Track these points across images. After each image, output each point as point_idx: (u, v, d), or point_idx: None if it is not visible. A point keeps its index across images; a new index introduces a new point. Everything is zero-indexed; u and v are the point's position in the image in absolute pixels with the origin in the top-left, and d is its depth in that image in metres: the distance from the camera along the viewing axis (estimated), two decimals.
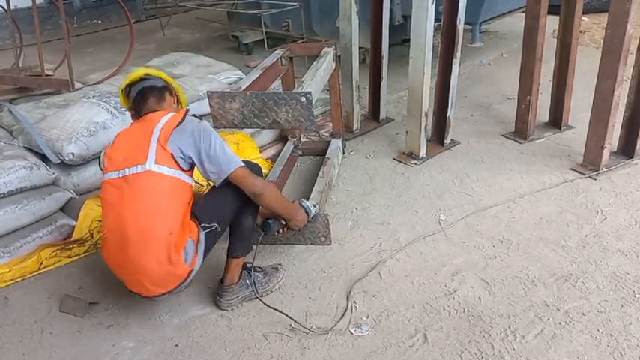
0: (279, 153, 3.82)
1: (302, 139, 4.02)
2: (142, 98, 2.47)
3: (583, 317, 2.32)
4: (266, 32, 5.82)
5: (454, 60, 3.58)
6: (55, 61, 5.20)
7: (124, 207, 2.24)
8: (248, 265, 2.56)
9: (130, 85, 2.51)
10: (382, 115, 4.37)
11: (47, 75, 4.59)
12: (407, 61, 3.49)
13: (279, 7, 5.62)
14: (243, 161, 2.37)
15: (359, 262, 2.77)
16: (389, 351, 2.23)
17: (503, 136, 4.00)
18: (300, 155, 3.93)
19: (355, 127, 4.22)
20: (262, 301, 2.46)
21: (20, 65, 5.04)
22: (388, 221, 3.09)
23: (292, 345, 2.30)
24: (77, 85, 4.43)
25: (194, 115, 2.41)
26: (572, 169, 3.46)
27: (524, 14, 3.67)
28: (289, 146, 3.89)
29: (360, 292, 2.56)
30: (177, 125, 2.30)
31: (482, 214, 3.08)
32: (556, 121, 4.02)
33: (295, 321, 2.39)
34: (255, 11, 5.85)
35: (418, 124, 3.60)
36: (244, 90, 2.85)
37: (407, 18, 5.16)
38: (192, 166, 2.34)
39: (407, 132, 3.75)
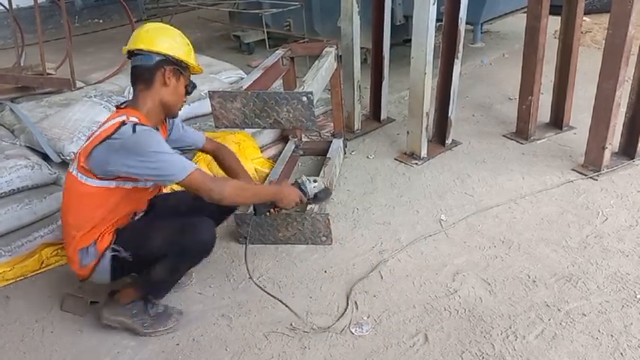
0: (281, 153, 3.82)
1: (303, 139, 4.02)
2: (132, 81, 2.31)
3: (584, 318, 2.31)
4: (267, 32, 5.82)
5: (455, 60, 3.58)
6: (57, 60, 5.20)
7: (62, 196, 2.33)
8: (149, 297, 2.40)
9: (129, 53, 2.30)
10: (383, 115, 4.37)
11: (49, 74, 4.59)
12: (408, 61, 3.49)
13: (280, 7, 5.62)
14: None
15: (360, 262, 2.77)
16: (389, 351, 2.23)
17: (504, 136, 4.00)
18: (302, 155, 3.93)
19: (356, 127, 4.22)
20: (262, 288, 2.46)
21: (22, 64, 5.05)
22: (389, 221, 3.09)
23: (293, 345, 2.30)
24: (78, 84, 4.43)
25: (134, 127, 2.13)
26: (573, 170, 3.45)
27: (525, 14, 3.67)
28: (290, 146, 3.89)
29: (361, 292, 2.56)
30: (105, 140, 2.13)
31: (483, 214, 3.08)
32: (557, 121, 4.02)
33: (296, 314, 2.39)
34: (257, 11, 5.85)
35: (419, 124, 3.60)
36: (246, 90, 2.86)
37: (408, 18, 5.16)
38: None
39: (408, 132, 3.75)
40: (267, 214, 2.67)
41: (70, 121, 3.31)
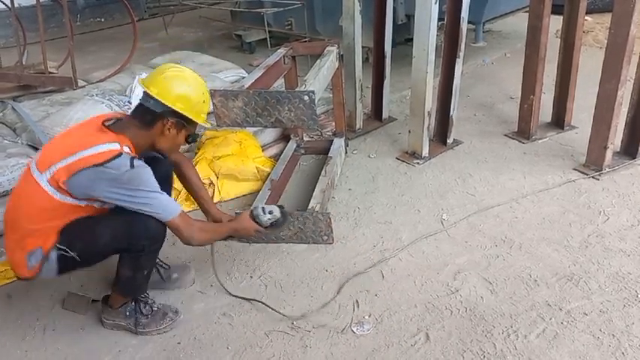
0: (282, 152, 3.82)
1: (304, 138, 4.02)
2: (133, 111, 2.28)
3: (585, 317, 2.31)
4: (269, 31, 5.82)
5: (457, 59, 3.58)
6: (58, 59, 5.21)
7: (13, 192, 2.27)
8: (140, 298, 2.41)
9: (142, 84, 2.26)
10: (385, 115, 4.37)
11: (50, 73, 4.60)
12: (410, 60, 3.49)
13: (282, 6, 5.62)
14: None
15: (361, 261, 2.77)
16: (391, 350, 2.23)
17: (506, 135, 4.00)
18: (303, 154, 3.93)
19: (358, 126, 4.22)
20: (262, 302, 2.47)
21: (24, 63, 5.06)
22: (390, 220, 3.09)
23: (294, 343, 2.30)
24: (80, 83, 4.44)
25: (132, 162, 2.09)
26: (575, 169, 3.45)
27: (527, 14, 3.66)
28: (292, 145, 3.89)
29: (362, 291, 2.56)
30: (97, 165, 2.05)
31: (484, 213, 3.08)
32: (559, 121, 4.02)
33: (281, 313, 2.39)
34: (259, 10, 5.85)
35: (421, 123, 3.60)
36: (247, 88, 2.85)
37: (410, 17, 5.15)
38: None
39: (409, 131, 3.75)
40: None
41: (72, 120, 3.32)
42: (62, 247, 2.14)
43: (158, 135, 2.24)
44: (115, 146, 2.11)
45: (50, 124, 3.36)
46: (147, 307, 2.43)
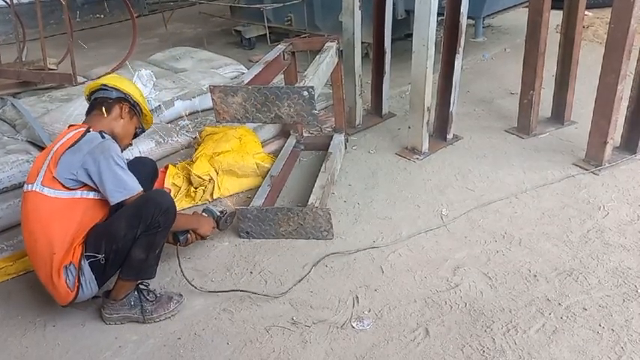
0: (282, 148, 3.82)
1: (304, 134, 4.02)
2: (89, 108, 2.57)
3: (585, 312, 2.32)
4: (268, 27, 5.81)
5: (457, 55, 3.57)
6: (58, 55, 5.21)
7: (22, 222, 2.38)
8: (142, 287, 2.48)
9: (90, 94, 2.60)
10: (384, 110, 4.37)
11: (50, 69, 4.60)
12: (409, 55, 3.49)
13: (281, 2, 5.62)
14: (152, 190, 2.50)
15: (360, 257, 2.77)
16: (390, 345, 2.23)
17: (505, 131, 3.99)
18: (303, 150, 3.93)
19: (357, 121, 4.21)
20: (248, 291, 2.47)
21: (23, 59, 5.05)
22: (390, 216, 3.10)
23: (294, 339, 2.31)
24: (80, 79, 4.44)
25: (101, 134, 2.38)
26: (574, 165, 3.45)
27: (526, 9, 3.65)
28: (291, 141, 3.89)
29: (362, 287, 2.57)
30: (72, 145, 2.30)
31: (484, 209, 3.08)
32: (559, 116, 4.01)
33: (272, 296, 2.40)
34: (258, 6, 5.84)
35: (420, 118, 3.59)
36: (247, 84, 2.85)
37: (410, 12, 5.14)
38: (87, 184, 2.31)
39: (409, 127, 3.74)
40: (186, 241, 2.68)
41: (72, 117, 3.32)
42: (89, 253, 2.30)
43: (115, 119, 2.52)
44: (82, 128, 2.41)
45: (50, 121, 3.36)
46: (150, 294, 2.47)
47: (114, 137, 2.47)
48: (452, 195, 3.25)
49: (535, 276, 2.55)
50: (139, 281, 2.47)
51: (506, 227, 2.91)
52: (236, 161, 3.45)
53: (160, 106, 3.82)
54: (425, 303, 2.44)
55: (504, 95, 4.66)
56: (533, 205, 3.08)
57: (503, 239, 2.82)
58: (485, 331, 2.26)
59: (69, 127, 2.50)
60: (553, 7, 3.55)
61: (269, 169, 3.49)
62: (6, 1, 5.12)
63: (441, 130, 3.90)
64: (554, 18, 3.82)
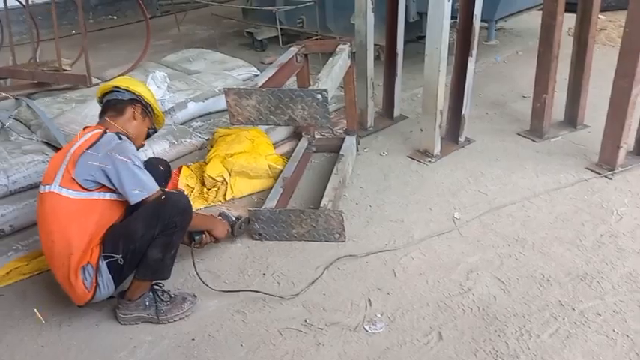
0: (294, 149, 3.83)
1: (316, 136, 4.03)
2: (102, 110, 2.63)
3: (598, 317, 2.31)
4: (280, 29, 5.83)
5: (470, 58, 3.57)
6: (71, 56, 5.25)
7: (39, 223, 2.41)
8: (156, 288, 2.50)
9: (102, 96, 2.64)
10: (396, 113, 4.37)
11: (65, 70, 4.64)
12: (421, 58, 3.49)
13: (294, 4, 5.63)
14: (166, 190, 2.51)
15: (373, 259, 2.78)
16: (404, 348, 2.24)
17: (518, 134, 3.99)
18: (314, 152, 3.94)
19: (369, 124, 4.22)
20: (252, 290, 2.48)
21: (37, 60, 5.10)
22: (402, 219, 3.10)
23: (307, 341, 2.32)
24: (94, 80, 4.47)
25: (118, 135, 2.43)
26: (587, 169, 3.44)
27: (539, 12, 3.64)
28: (303, 143, 3.90)
29: (374, 290, 2.57)
30: (90, 146, 2.34)
31: (497, 212, 3.08)
32: (572, 119, 4.00)
33: (283, 297, 2.41)
34: (270, 8, 5.86)
35: (433, 121, 3.59)
36: (260, 87, 2.87)
37: (422, 15, 5.15)
38: (104, 185, 2.34)
39: (421, 129, 3.74)
40: (200, 241, 2.73)
41: (87, 117, 3.35)
42: (107, 253, 2.32)
43: (128, 120, 2.57)
44: (99, 130, 2.44)
45: (65, 122, 3.39)
46: (165, 295, 2.50)
47: (127, 138, 2.50)
48: (464, 198, 3.25)
49: (548, 280, 2.54)
50: (154, 282, 2.49)
51: (519, 231, 2.91)
52: (248, 163, 3.47)
53: (173, 107, 3.85)
54: (438, 307, 2.44)
55: (517, 98, 4.65)
56: (547, 209, 3.08)
57: (516, 243, 2.82)
58: (499, 335, 2.26)
59: (85, 128, 2.53)
60: (566, 10, 3.53)
61: (281, 171, 3.51)
62: (21, 3, 5.17)
63: (453, 133, 3.90)
64: (567, 21, 3.80)
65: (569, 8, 3.59)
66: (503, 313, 2.37)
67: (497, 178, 3.43)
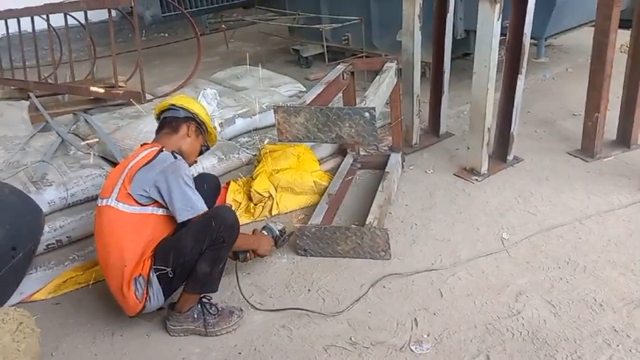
0: (339, 166, 3.86)
1: (361, 153, 4.05)
2: (158, 127, 2.74)
3: None
4: (326, 46, 5.90)
5: (519, 75, 3.53)
6: (125, 72, 5.44)
7: (96, 235, 2.52)
8: (204, 301, 2.55)
9: (159, 113, 2.76)
10: (442, 130, 4.34)
11: (120, 87, 4.82)
12: (467, 74, 3.47)
13: (340, 22, 5.70)
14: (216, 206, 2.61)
15: (419, 279, 2.76)
16: None
17: (568, 153, 3.89)
18: (359, 169, 3.95)
19: (414, 141, 4.21)
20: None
21: (94, 77, 5.32)
22: (448, 238, 3.07)
23: (352, 359, 2.32)
24: (147, 96, 4.62)
25: (173, 154, 2.52)
26: None
27: (590, 28, 3.57)
28: (348, 159, 3.92)
29: (421, 309, 2.55)
30: (147, 164, 2.44)
31: (547, 233, 3.01)
32: (625, 139, 3.88)
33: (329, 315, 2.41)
34: (317, 26, 5.94)
35: (480, 139, 3.56)
36: (309, 104, 2.91)
37: (469, 32, 5.11)
38: (157, 201, 2.43)
39: (468, 147, 3.71)
40: (245, 258, 2.79)
41: (142, 133, 3.47)
42: (158, 266, 2.40)
43: (183, 137, 2.66)
44: (155, 148, 2.55)
45: (121, 137, 3.52)
46: (213, 308, 2.55)
47: (181, 154, 2.59)
48: (513, 218, 3.19)
49: (601, 305, 2.47)
50: (202, 295, 2.55)
51: (570, 253, 2.84)
52: (294, 179, 3.51)
53: (221, 123, 3.94)
54: (486, 329, 2.40)
55: (566, 116, 4.55)
56: (599, 232, 2.99)
57: (567, 266, 2.75)
58: None
59: (142, 145, 2.64)
60: (619, 27, 3.45)
61: (326, 187, 3.54)
62: (81, 24, 5.41)
63: (501, 151, 3.85)
64: (619, 37, 3.71)
65: (623, 24, 3.51)
66: (554, 337, 2.32)
67: (547, 198, 3.36)
